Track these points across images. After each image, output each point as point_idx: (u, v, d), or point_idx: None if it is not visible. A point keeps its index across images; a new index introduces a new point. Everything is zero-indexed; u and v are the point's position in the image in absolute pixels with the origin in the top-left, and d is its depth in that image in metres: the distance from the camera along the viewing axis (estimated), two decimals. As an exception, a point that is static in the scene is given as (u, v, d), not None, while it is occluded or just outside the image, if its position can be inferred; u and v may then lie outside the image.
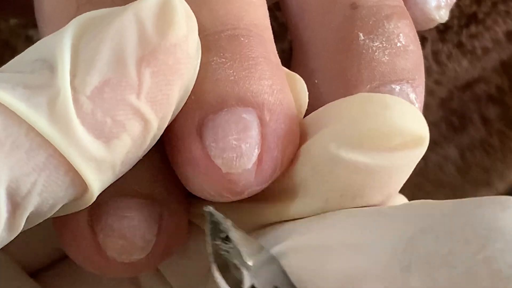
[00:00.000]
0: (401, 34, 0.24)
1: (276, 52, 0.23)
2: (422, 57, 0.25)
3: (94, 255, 0.22)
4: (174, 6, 0.20)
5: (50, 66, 0.20)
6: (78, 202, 0.21)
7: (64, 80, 0.20)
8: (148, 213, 0.22)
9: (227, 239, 0.21)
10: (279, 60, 0.23)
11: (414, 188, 0.39)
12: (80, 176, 0.20)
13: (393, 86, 0.24)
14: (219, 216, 0.21)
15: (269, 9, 0.24)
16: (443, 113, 0.39)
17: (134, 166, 0.21)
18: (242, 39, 0.22)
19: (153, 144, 0.21)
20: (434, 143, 0.40)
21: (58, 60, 0.20)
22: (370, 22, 0.24)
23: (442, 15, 0.27)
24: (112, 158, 0.20)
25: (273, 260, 0.21)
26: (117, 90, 0.20)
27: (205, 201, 0.22)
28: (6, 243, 0.20)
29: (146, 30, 0.20)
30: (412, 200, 0.22)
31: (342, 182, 0.21)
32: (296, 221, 0.22)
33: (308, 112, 0.23)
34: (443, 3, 0.27)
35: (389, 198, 0.22)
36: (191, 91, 0.21)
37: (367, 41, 0.24)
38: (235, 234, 0.21)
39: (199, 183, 0.22)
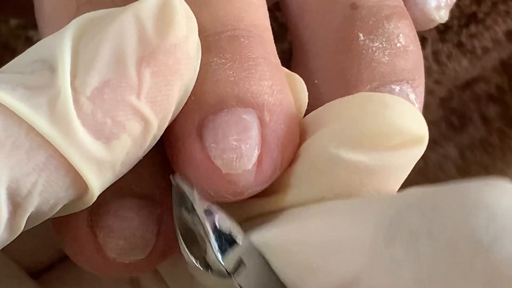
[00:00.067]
0: (401, 35, 0.24)
1: (276, 52, 0.23)
2: (422, 57, 0.25)
3: (94, 255, 0.22)
4: (174, 6, 0.20)
5: (50, 67, 0.20)
6: (78, 203, 0.21)
7: (64, 81, 0.20)
8: (148, 214, 0.22)
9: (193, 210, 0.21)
10: (279, 60, 0.23)
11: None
12: (81, 176, 0.20)
13: (393, 86, 0.24)
14: (185, 187, 0.21)
15: (269, 9, 0.24)
16: (443, 112, 0.39)
17: (134, 166, 0.21)
18: (242, 40, 0.22)
19: (153, 145, 0.21)
20: (434, 143, 0.40)
21: (58, 60, 0.20)
22: (370, 23, 0.24)
23: (442, 16, 0.27)
24: (112, 159, 0.20)
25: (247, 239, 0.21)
26: (117, 91, 0.20)
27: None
28: (7, 244, 0.20)
29: (146, 30, 0.20)
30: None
31: (341, 181, 0.21)
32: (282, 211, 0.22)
33: (308, 112, 0.23)
34: (443, 3, 0.27)
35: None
36: (191, 92, 0.21)
37: (367, 41, 0.24)
38: (199, 207, 0.21)
39: (199, 183, 0.22)
